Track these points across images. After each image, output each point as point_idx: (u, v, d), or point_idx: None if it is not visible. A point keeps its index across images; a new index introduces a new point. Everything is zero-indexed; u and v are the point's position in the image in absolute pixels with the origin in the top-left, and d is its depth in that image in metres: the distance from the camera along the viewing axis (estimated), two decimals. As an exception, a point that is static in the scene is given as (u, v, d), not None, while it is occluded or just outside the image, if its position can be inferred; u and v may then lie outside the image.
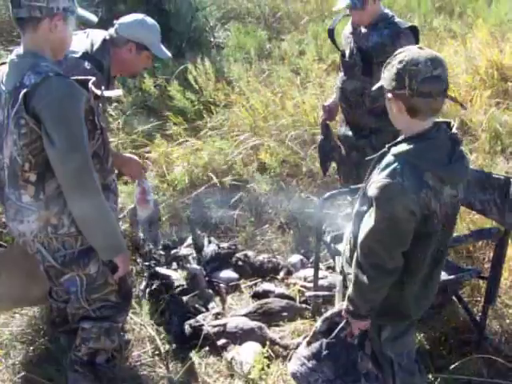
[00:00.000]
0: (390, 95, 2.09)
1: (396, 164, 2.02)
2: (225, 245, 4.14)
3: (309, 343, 2.41)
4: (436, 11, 7.91)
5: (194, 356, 3.23)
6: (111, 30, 3.05)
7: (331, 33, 3.63)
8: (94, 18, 2.57)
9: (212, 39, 7.38)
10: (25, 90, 2.15)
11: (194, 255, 3.97)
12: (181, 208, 4.45)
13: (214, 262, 3.98)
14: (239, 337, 3.31)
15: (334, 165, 4.13)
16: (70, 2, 2.31)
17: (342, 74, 3.68)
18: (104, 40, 2.96)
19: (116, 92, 2.78)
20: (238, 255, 4.05)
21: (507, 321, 3.33)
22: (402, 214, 2.00)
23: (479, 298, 3.44)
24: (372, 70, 3.31)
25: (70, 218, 2.39)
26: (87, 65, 2.79)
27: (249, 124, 5.14)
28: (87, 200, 2.31)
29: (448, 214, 2.13)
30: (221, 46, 7.31)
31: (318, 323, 2.41)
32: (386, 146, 2.15)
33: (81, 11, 2.43)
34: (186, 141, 5.07)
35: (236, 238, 4.32)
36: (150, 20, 3.09)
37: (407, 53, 2.03)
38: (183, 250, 4.07)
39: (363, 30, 3.45)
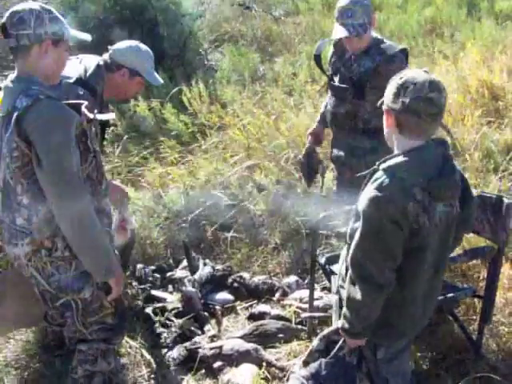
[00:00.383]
0: (384, 108, 2.15)
1: (384, 177, 2.05)
2: (220, 267, 4.14)
3: (305, 363, 2.41)
4: (426, 33, 8.00)
5: (190, 379, 3.23)
6: (105, 56, 3.09)
7: (317, 58, 3.58)
8: (87, 37, 2.57)
9: (205, 62, 7.43)
10: (16, 113, 2.19)
11: (190, 277, 3.96)
12: (176, 230, 4.44)
13: (209, 284, 3.97)
14: (235, 359, 3.29)
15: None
16: (58, 25, 2.32)
17: (330, 97, 3.65)
18: (98, 65, 3.00)
19: (109, 115, 2.80)
20: (233, 277, 4.05)
21: (503, 339, 3.32)
22: (389, 227, 2.02)
23: (475, 317, 3.44)
24: (364, 93, 3.32)
25: (65, 242, 2.39)
26: (80, 90, 2.82)
27: (243, 146, 5.16)
28: (79, 223, 2.30)
29: (442, 231, 2.15)
30: (214, 69, 7.37)
31: (315, 342, 2.41)
32: (376, 163, 2.17)
33: (74, 32, 2.45)
34: (182, 163, 5.08)
35: (231, 260, 4.32)
36: (143, 47, 3.14)
37: (411, 73, 2.11)
38: (178, 273, 4.07)
39: (348, 55, 3.44)
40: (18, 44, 2.26)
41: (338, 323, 2.39)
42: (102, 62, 3.02)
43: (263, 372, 3.17)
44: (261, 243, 4.47)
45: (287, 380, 2.44)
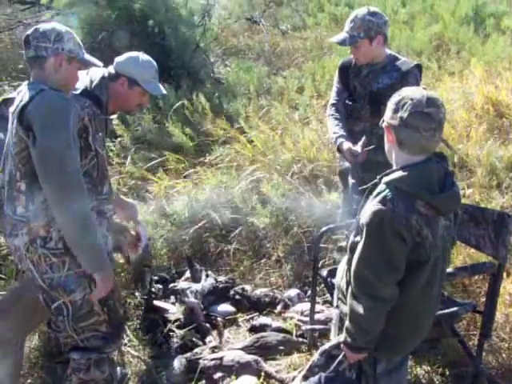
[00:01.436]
0: (384, 124, 2.19)
1: (387, 191, 2.08)
2: (222, 279, 4.16)
3: (305, 377, 2.41)
4: (432, 50, 8.05)
5: (190, 390, 3.24)
6: (110, 67, 3.14)
7: (344, 73, 3.66)
8: (99, 64, 2.75)
9: (212, 75, 7.49)
10: (22, 103, 2.35)
11: (192, 289, 3.98)
12: (179, 242, 4.47)
13: (211, 295, 3.99)
14: (236, 370, 3.31)
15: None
16: (75, 47, 2.57)
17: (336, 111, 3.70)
18: (102, 76, 3.04)
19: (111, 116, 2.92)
20: (235, 289, 4.07)
21: (503, 355, 3.33)
22: (392, 240, 2.04)
23: (475, 332, 3.45)
24: (380, 111, 3.36)
25: (59, 233, 2.44)
26: (86, 101, 2.87)
27: (249, 159, 5.20)
28: (70, 203, 2.31)
29: (444, 246, 2.18)
30: (220, 82, 7.43)
31: (316, 356, 2.41)
32: (377, 177, 2.20)
33: (87, 57, 2.65)
34: (187, 176, 5.13)
35: (233, 272, 4.34)
36: (144, 57, 3.16)
37: (409, 89, 2.16)
38: (181, 284, 4.09)
39: (365, 71, 3.50)
40: (37, 54, 2.48)
41: (339, 338, 2.39)
42: (106, 73, 3.07)
43: (262, 383, 3.19)
44: (263, 256, 4.49)
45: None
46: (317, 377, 2.33)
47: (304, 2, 10.65)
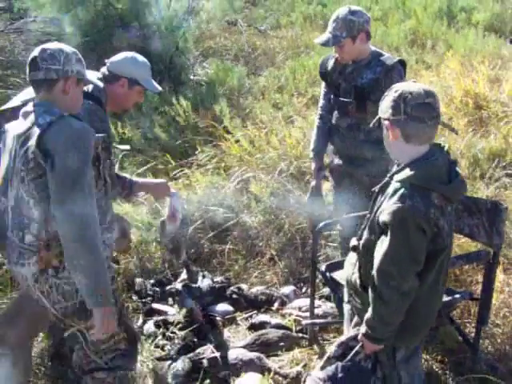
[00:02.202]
0: (386, 123, 2.25)
1: (403, 189, 2.16)
2: (218, 279, 4.20)
3: (322, 368, 2.47)
4: (408, 44, 8.18)
5: (195, 389, 3.28)
6: (103, 69, 3.16)
7: (323, 75, 3.73)
8: (100, 84, 2.77)
9: (192, 76, 7.51)
10: (40, 128, 2.28)
11: (190, 290, 4.01)
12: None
13: (209, 296, 4.03)
14: (239, 368, 3.36)
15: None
16: (80, 66, 2.51)
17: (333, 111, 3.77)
18: (98, 79, 3.05)
19: (125, 146, 2.88)
20: (231, 289, 4.11)
21: (498, 340, 3.43)
22: (416, 235, 2.13)
23: (469, 320, 3.55)
24: (366, 106, 3.42)
25: None
26: (87, 103, 2.90)
27: (236, 159, 5.24)
28: (81, 232, 2.21)
29: (451, 230, 2.30)
30: (200, 83, 7.46)
31: (333, 348, 2.47)
32: (388, 175, 2.30)
33: (89, 76, 2.60)
34: (176, 177, 5.16)
35: (228, 272, 4.38)
36: (140, 57, 3.20)
37: (403, 85, 2.27)
38: (178, 286, 4.12)
39: (350, 68, 3.55)
40: (45, 77, 2.40)
41: (356, 330, 2.45)
42: (100, 75, 3.09)
43: (267, 380, 3.24)
44: (256, 254, 4.54)
45: (304, 382, 2.50)
46: (333, 366, 2.39)
47: (277, 1, 10.73)
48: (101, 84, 2.77)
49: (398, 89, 2.23)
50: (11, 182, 2.41)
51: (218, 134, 5.76)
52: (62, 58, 2.41)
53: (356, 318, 2.58)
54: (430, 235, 2.16)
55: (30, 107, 2.45)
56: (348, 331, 2.57)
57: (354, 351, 2.38)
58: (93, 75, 3.11)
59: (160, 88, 3.26)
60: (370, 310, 2.29)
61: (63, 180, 2.23)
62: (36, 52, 2.43)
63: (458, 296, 3.05)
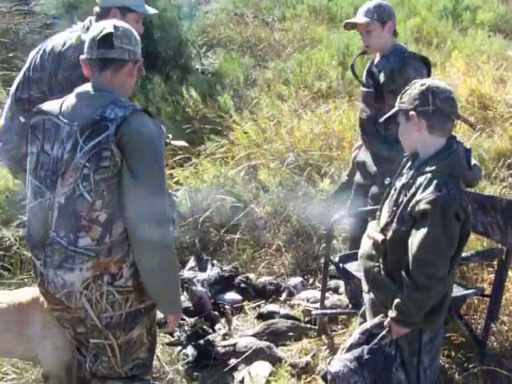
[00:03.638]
0: (412, 113, 2.34)
1: (437, 179, 2.26)
2: (227, 268, 4.23)
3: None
4: (414, 42, 8.20)
5: (205, 376, 3.31)
6: (95, 8, 3.09)
7: (352, 67, 3.83)
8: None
9: (199, 66, 7.51)
10: (114, 123, 2.10)
11: (199, 278, 4.04)
12: (181, 232, 4.52)
13: (217, 284, 4.07)
14: (249, 356, 3.39)
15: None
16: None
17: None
18: (90, 21, 3.05)
19: (181, 143, 2.80)
20: (240, 278, 4.15)
21: (505, 337, 3.48)
22: (453, 221, 2.24)
23: (475, 316, 3.61)
24: (384, 98, 3.45)
25: (131, 270, 2.23)
26: None
27: (244, 149, 5.27)
28: (162, 248, 2.18)
29: None
30: (206, 73, 7.46)
31: (356, 335, 2.51)
32: (413, 167, 2.41)
33: None
34: (183, 166, 5.18)
35: (236, 261, 4.41)
36: None
37: (428, 80, 2.42)
38: (186, 273, 4.15)
39: (375, 61, 3.64)
40: (119, 57, 2.23)
41: (381, 316, 2.50)
42: (95, 15, 3.05)
43: (277, 369, 3.28)
44: (264, 245, 4.57)
45: (329, 362, 2.53)
46: (360, 348, 2.44)
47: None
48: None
49: (424, 82, 2.35)
50: (64, 177, 2.16)
51: (225, 125, 5.78)
52: (133, 38, 2.27)
53: (373, 302, 2.64)
54: (462, 221, 2.27)
55: (88, 88, 2.25)
56: (370, 319, 2.62)
57: (380, 335, 2.44)
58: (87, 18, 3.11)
59: (155, 10, 3.16)
60: (401, 296, 2.35)
61: (148, 184, 2.12)
62: (107, 28, 2.22)
63: (470, 291, 3.10)
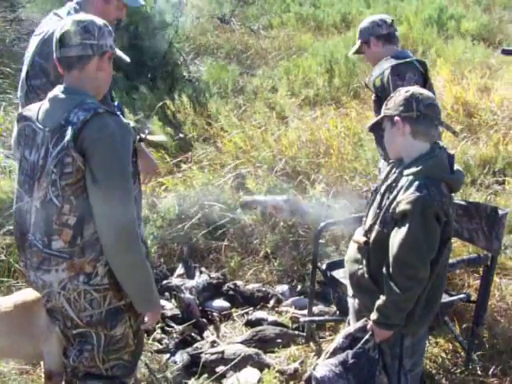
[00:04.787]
0: (397, 118, 2.41)
1: (418, 181, 2.31)
2: (215, 275, 4.24)
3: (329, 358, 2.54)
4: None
5: (193, 383, 3.31)
6: None
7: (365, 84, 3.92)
8: (127, 59, 2.51)
9: (186, 74, 7.53)
10: (74, 127, 2.09)
11: (187, 285, 4.04)
12: (169, 239, 4.52)
13: (206, 291, 4.07)
14: (237, 363, 3.39)
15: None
16: (112, 39, 2.30)
17: None
18: (76, 3, 3.01)
19: (160, 137, 2.77)
20: (228, 285, 4.15)
21: (491, 343, 3.52)
22: (433, 223, 2.28)
23: (462, 322, 3.65)
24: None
25: (106, 268, 2.24)
26: None
27: (232, 157, 5.29)
28: (128, 244, 2.16)
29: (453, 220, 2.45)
30: (193, 81, 7.49)
31: (340, 339, 2.53)
32: (394, 170, 2.46)
33: (117, 51, 2.39)
34: (173, 173, 5.19)
35: (224, 268, 4.42)
36: None
37: (412, 87, 2.48)
38: (175, 281, 4.15)
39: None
40: (82, 53, 2.19)
41: (364, 320, 2.52)
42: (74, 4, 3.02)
43: (265, 375, 3.29)
44: (251, 252, 4.59)
45: (314, 368, 2.55)
46: (344, 353, 2.46)
47: (270, 1, 10.79)
48: (128, 59, 2.50)
49: (408, 89, 2.44)
50: (39, 182, 2.19)
51: (213, 132, 5.80)
52: (96, 31, 2.20)
53: (356, 307, 2.67)
54: (442, 223, 2.31)
55: (58, 92, 2.24)
56: (354, 324, 2.64)
57: (363, 340, 2.46)
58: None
59: (142, 2, 3.14)
60: (382, 297, 2.38)
61: (110, 187, 2.12)
62: (67, 25, 2.19)
63: (456, 297, 3.13)
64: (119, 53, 2.42)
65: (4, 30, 8.33)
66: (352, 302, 2.69)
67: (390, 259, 2.33)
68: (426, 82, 3.52)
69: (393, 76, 3.45)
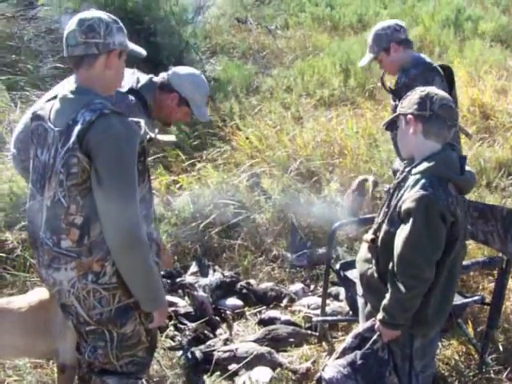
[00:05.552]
0: (410, 117, 2.41)
1: (424, 179, 2.30)
2: (228, 273, 4.25)
3: (338, 358, 2.54)
4: (417, 51, 8.23)
5: (206, 380, 3.33)
6: (163, 74, 3.04)
7: (381, 80, 3.90)
8: (143, 52, 2.49)
9: (204, 73, 7.54)
10: (79, 127, 2.08)
11: (200, 283, 4.06)
12: (183, 237, 4.54)
13: (219, 290, 4.09)
14: (250, 362, 3.40)
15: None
16: (122, 36, 2.27)
17: None
18: (151, 79, 2.96)
19: (169, 137, 2.77)
20: (241, 284, 4.16)
21: (505, 346, 3.50)
22: (438, 222, 2.26)
23: (476, 324, 3.63)
24: None
25: (114, 268, 2.24)
26: (132, 99, 2.81)
27: (246, 156, 5.30)
28: (130, 249, 2.16)
29: (465, 221, 2.44)
30: (209, 79, 7.50)
31: (349, 339, 2.54)
32: (405, 170, 2.45)
33: (131, 45, 2.38)
34: (187, 172, 5.21)
35: (237, 267, 4.43)
36: (203, 79, 3.09)
37: (429, 87, 2.47)
38: (188, 278, 4.17)
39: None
40: (86, 53, 2.18)
41: (373, 320, 2.53)
42: (156, 79, 2.99)
43: (277, 374, 3.30)
44: (264, 251, 4.60)
45: (323, 369, 2.55)
46: (353, 353, 2.46)
47: (286, 1, 10.79)
48: (144, 52, 2.48)
49: (424, 89, 2.44)
50: (50, 181, 2.21)
51: (228, 131, 5.82)
52: (102, 29, 2.18)
53: (369, 308, 2.67)
54: (449, 223, 2.28)
55: (67, 91, 2.24)
56: (363, 323, 2.64)
57: (372, 340, 2.46)
58: (145, 75, 3.01)
59: (208, 118, 3.16)
60: (388, 296, 2.38)
61: (114, 188, 2.11)
62: (73, 24, 2.19)
63: (470, 300, 3.12)
64: (133, 46, 2.41)
65: (23, 27, 8.38)
66: (362, 302, 2.69)
67: (395, 258, 2.33)
68: (451, 89, 3.48)
69: (422, 84, 3.42)
